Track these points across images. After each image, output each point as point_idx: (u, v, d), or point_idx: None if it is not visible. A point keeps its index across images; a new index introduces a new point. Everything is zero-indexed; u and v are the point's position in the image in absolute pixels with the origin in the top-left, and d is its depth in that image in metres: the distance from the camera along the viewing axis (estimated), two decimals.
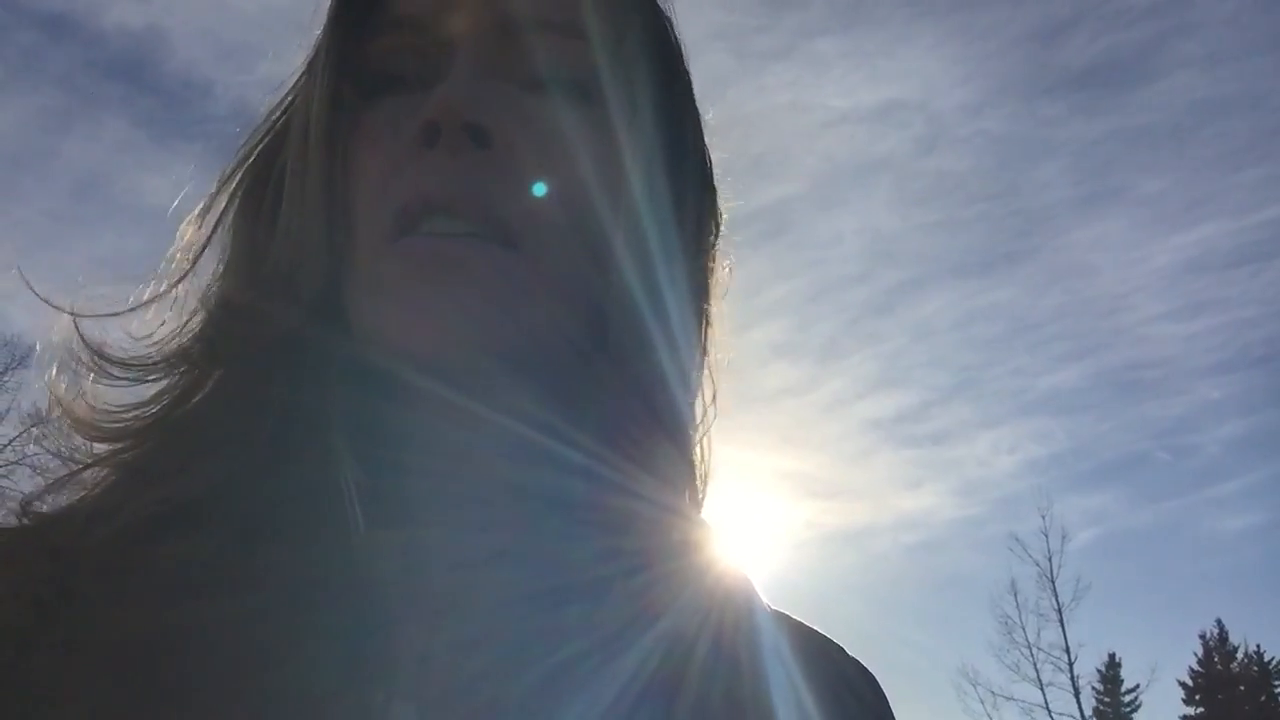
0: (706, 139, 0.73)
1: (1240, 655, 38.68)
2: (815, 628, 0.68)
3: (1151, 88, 46.98)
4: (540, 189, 0.59)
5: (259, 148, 0.67)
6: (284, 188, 0.62)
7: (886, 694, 0.67)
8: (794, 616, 0.67)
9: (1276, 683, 38.15)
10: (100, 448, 0.60)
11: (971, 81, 45.01)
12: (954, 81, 44.93)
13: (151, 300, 0.64)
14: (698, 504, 0.67)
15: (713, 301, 0.72)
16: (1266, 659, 38.39)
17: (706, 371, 0.70)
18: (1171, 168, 46.49)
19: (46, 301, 0.63)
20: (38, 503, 0.59)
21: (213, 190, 0.66)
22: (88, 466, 0.59)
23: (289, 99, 0.67)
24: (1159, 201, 45.88)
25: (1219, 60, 45.82)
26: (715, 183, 0.73)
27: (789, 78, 45.99)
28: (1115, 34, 45.95)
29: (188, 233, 0.66)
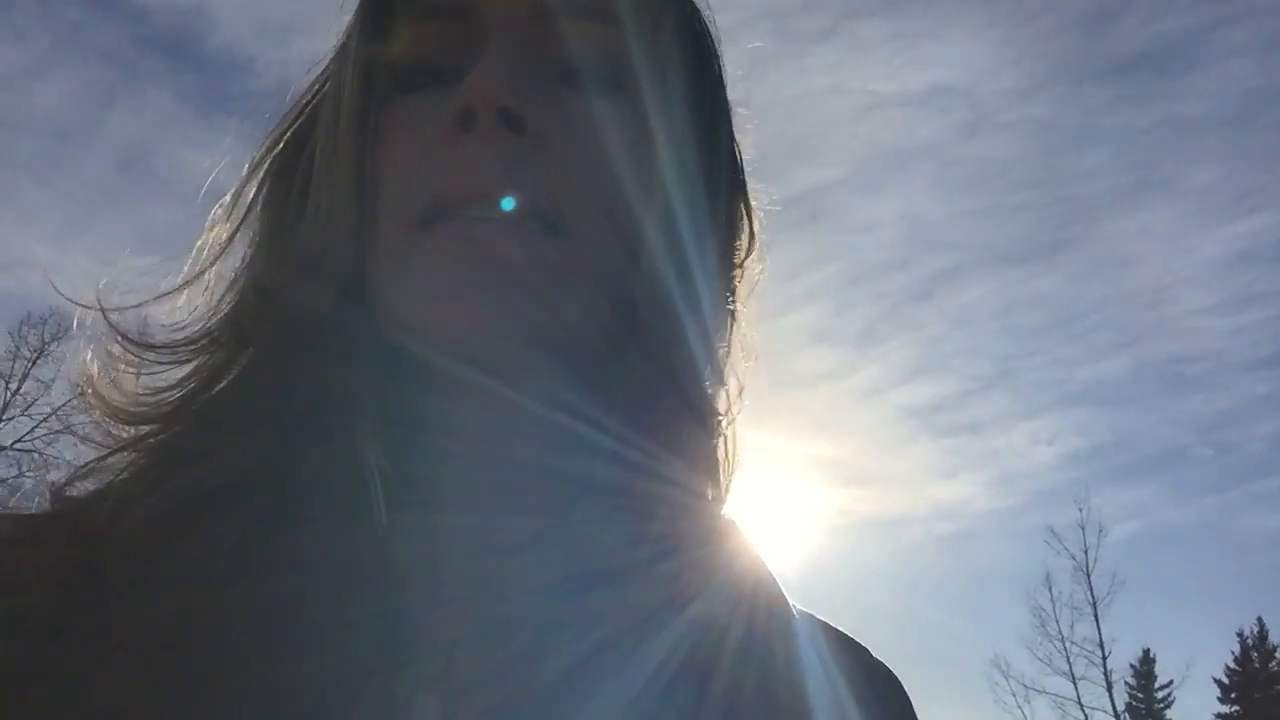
0: (738, 129, 0.72)
1: (1279, 654, 38.15)
2: (841, 629, 0.68)
3: (1202, 75, 46.06)
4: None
5: (288, 133, 0.67)
6: (313, 173, 0.63)
7: (909, 694, 0.67)
8: (818, 616, 0.67)
9: None
10: (129, 431, 0.60)
11: (1017, 66, 44.37)
12: (999, 66, 44.35)
13: (184, 286, 0.65)
14: (723, 492, 0.66)
15: (741, 294, 0.71)
16: None
17: (731, 363, 0.69)
18: (1221, 158, 45.61)
19: (71, 300, 0.64)
20: (67, 488, 0.59)
21: (243, 176, 0.67)
22: (115, 451, 0.60)
23: (319, 85, 0.67)
24: (1207, 192, 45.03)
25: (1270, 48, 44.82)
26: (746, 175, 0.72)
27: (831, 60, 45.59)
28: (1165, 20, 45.06)
29: (219, 218, 0.66)
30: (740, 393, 0.69)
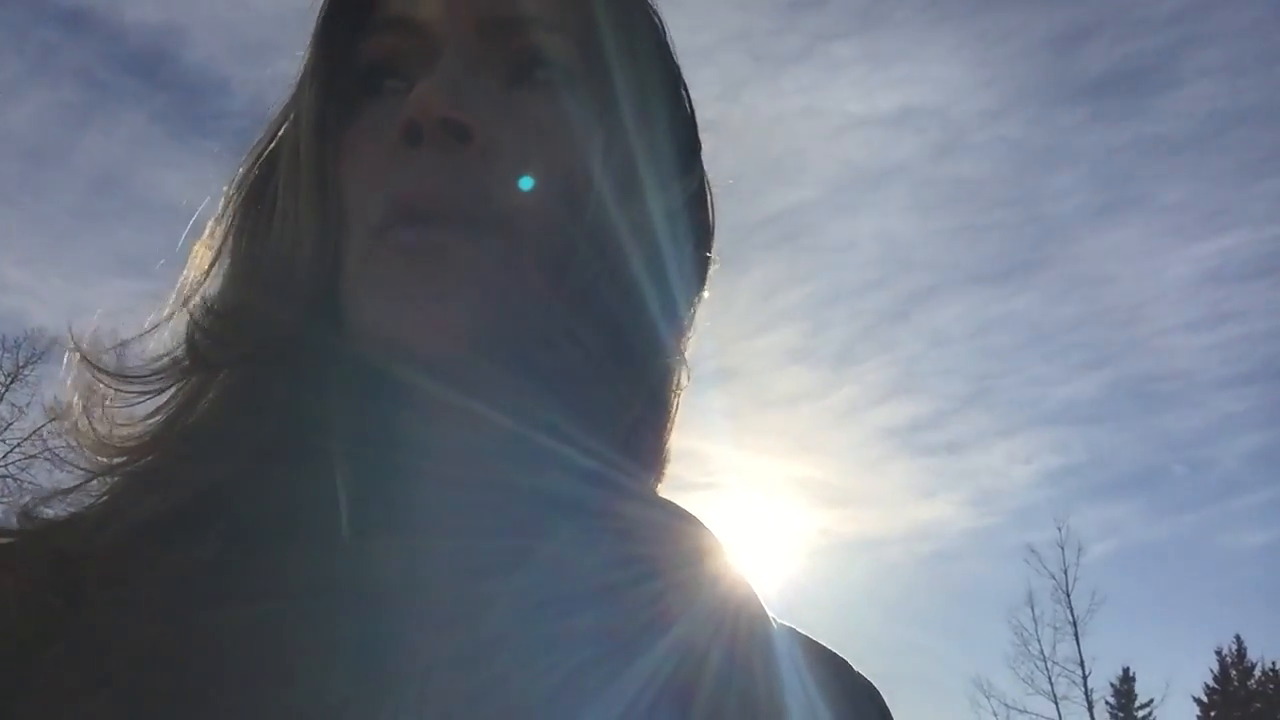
0: (716, 147, 0.73)
1: (1258, 672, 38.36)
2: (823, 642, 0.67)
3: (1172, 96, 46.72)
4: (528, 182, 0.59)
5: (260, 159, 0.68)
6: (279, 193, 0.63)
7: (892, 711, 0.66)
8: (800, 630, 0.67)
9: None
10: (107, 459, 0.60)
11: (990, 87, 44.88)
12: (972, 87, 44.81)
13: (169, 318, 0.65)
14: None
15: (700, 296, 0.72)
16: None
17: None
18: (1191, 177, 46.22)
19: (61, 338, 0.64)
20: (43, 508, 0.59)
21: (220, 208, 0.67)
22: (95, 476, 0.60)
23: (286, 109, 0.68)
24: (1178, 211, 45.56)
25: (1240, 69, 45.46)
26: (707, 178, 0.73)
27: (806, 81, 45.95)
28: (1135, 41, 45.71)
29: (199, 253, 0.67)
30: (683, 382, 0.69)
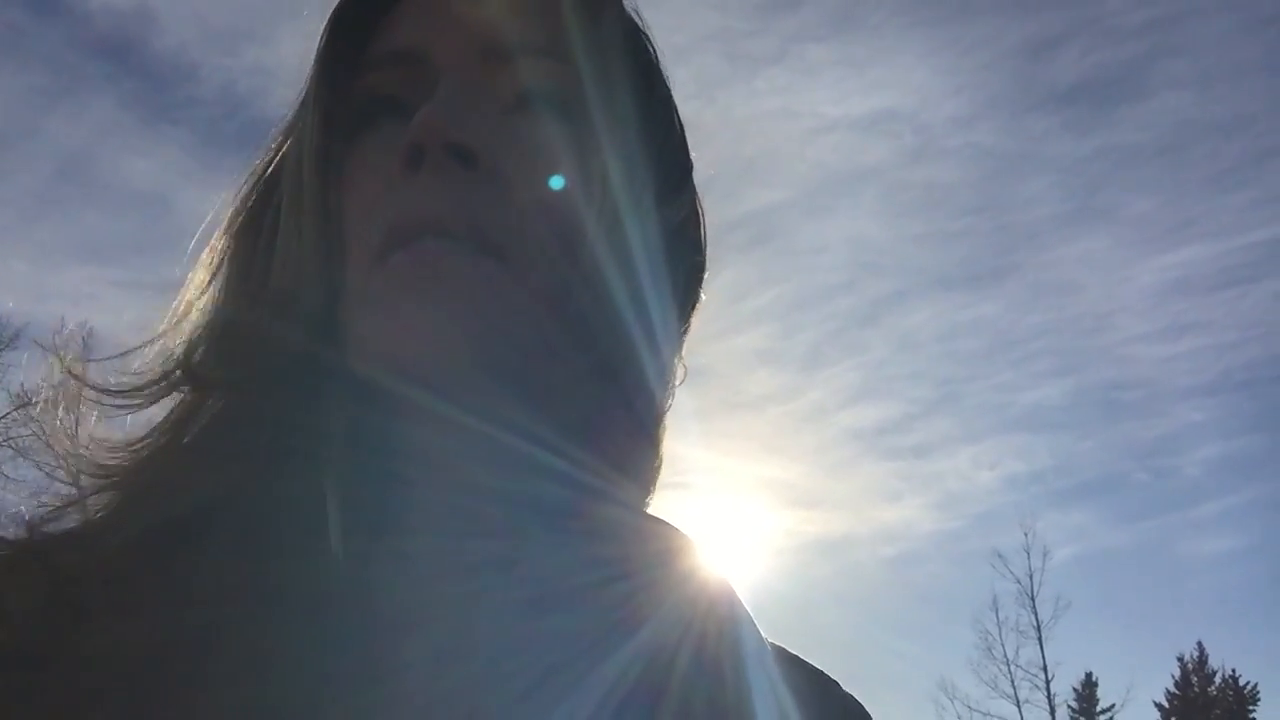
0: (692, 151, 0.74)
1: (1218, 679, 38.86)
2: (810, 661, 0.68)
3: (1141, 106, 47.30)
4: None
5: (259, 184, 0.68)
6: (281, 217, 0.64)
7: None
8: (788, 649, 0.67)
9: (1252, 708, 38.32)
10: (102, 480, 0.61)
11: (962, 94, 45.23)
12: (944, 93, 45.16)
13: (162, 335, 0.65)
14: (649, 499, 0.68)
15: (693, 312, 0.73)
16: (1242, 683, 38.57)
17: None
18: (1159, 188, 46.82)
19: (51, 351, 0.65)
20: (42, 523, 0.60)
21: (220, 230, 0.68)
22: (94, 492, 0.60)
23: (285, 135, 0.68)
24: (1145, 221, 46.11)
25: (1209, 81, 46.14)
26: (700, 200, 0.74)
27: (780, 83, 46.03)
28: (1106, 51, 46.25)
29: (198, 275, 0.67)
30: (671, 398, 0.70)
